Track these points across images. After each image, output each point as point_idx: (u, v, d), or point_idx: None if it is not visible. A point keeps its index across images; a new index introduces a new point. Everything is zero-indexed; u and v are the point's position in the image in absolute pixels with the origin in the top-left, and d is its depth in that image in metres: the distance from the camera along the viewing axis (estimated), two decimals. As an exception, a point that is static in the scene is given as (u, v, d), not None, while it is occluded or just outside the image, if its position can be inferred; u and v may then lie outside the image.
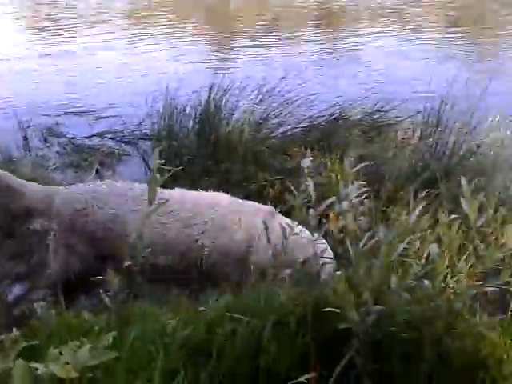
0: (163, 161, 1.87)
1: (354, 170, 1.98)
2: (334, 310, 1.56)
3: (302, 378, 1.55)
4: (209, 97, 4.80)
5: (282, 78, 5.55)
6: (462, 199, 1.59)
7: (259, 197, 3.92)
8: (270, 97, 5.44)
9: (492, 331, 1.49)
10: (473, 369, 1.50)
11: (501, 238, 1.52)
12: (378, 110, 5.49)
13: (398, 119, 5.38)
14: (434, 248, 1.60)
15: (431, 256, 1.61)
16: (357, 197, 2.16)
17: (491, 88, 4.90)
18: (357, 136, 5.37)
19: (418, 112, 5.10)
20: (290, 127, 5.58)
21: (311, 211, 2.12)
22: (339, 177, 5.35)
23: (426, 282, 1.63)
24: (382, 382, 1.53)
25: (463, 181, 1.60)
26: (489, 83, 4.70)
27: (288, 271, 2.43)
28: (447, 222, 1.65)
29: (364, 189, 2.06)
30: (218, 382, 1.53)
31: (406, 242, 1.64)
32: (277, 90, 5.51)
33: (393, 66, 7.55)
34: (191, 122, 4.79)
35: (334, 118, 5.60)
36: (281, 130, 5.57)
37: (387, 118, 5.45)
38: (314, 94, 5.57)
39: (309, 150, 2.77)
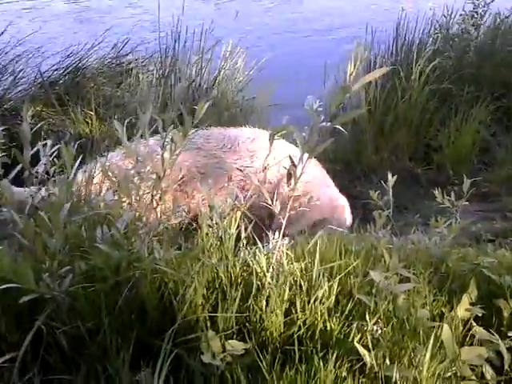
0: None
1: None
2: (11, 285, 1.46)
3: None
4: None
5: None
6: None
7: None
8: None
9: (171, 264, 1.54)
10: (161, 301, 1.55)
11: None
12: (117, 56, 5.31)
13: (138, 62, 5.29)
14: (109, 195, 1.58)
15: (109, 203, 1.59)
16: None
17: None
18: (101, 85, 5.18)
19: (155, 53, 5.07)
20: (26, 85, 5.12)
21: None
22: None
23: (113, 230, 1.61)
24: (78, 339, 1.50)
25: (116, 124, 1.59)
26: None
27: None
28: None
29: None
30: None
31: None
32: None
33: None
34: None
35: (75, 69, 5.28)
36: (17, 89, 5.08)
37: (128, 61, 5.32)
38: (41, 47, 5.10)
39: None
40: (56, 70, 5.22)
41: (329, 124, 1.43)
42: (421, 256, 1.92)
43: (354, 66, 1.36)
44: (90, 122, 4.71)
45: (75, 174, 1.68)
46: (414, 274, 1.74)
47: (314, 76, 4.95)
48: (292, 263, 1.63)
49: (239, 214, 1.69)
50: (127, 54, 5.34)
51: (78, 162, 1.67)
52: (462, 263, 1.94)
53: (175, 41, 4.94)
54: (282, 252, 1.66)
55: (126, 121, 1.71)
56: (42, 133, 4.31)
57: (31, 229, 1.42)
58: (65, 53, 5.14)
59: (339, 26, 7.71)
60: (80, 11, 8.59)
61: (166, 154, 1.50)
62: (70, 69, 5.17)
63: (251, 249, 1.68)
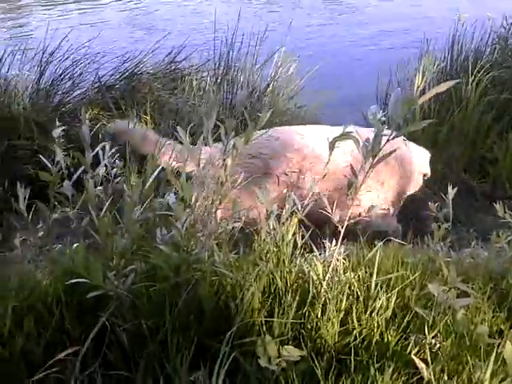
0: None
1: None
2: (81, 280, 1.51)
3: (61, 356, 1.52)
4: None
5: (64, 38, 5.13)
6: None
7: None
8: (54, 60, 5.07)
9: (229, 268, 1.56)
10: (218, 303, 1.58)
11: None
12: (172, 62, 5.42)
13: (192, 68, 5.38)
14: (171, 198, 1.62)
15: (172, 205, 1.63)
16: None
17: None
18: (156, 90, 5.29)
19: (209, 60, 5.16)
20: (84, 89, 5.28)
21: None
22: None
23: (175, 231, 1.65)
24: (139, 336, 1.54)
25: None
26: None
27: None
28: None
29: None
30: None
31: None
32: (61, 52, 5.14)
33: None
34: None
35: (131, 74, 5.42)
36: (75, 93, 5.26)
37: (182, 68, 5.43)
38: (99, 53, 5.25)
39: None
40: (112, 74, 5.38)
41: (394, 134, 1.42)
42: (480, 271, 1.88)
43: (422, 78, 1.35)
44: (144, 126, 4.82)
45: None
46: (472, 288, 1.70)
47: (366, 85, 4.92)
48: (349, 272, 1.62)
49: (296, 220, 1.70)
50: (182, 61, 5.44)
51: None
52: (523, 280, 1.88)
53: (229, 49, 5.01)
54: (338, 260, 1.66)
55: (189, 127, 1.75)
56: (100, 135, 4.46)
57: (105, 227, 1.47)
58: (122, 58, 5.26)
59: (398, 36, 7.62)
60: (146, 20, 8.83)
61: (229, 161, 1.53)
62: (126, 74, 5.30)
63: (307, 256, 1.69)
